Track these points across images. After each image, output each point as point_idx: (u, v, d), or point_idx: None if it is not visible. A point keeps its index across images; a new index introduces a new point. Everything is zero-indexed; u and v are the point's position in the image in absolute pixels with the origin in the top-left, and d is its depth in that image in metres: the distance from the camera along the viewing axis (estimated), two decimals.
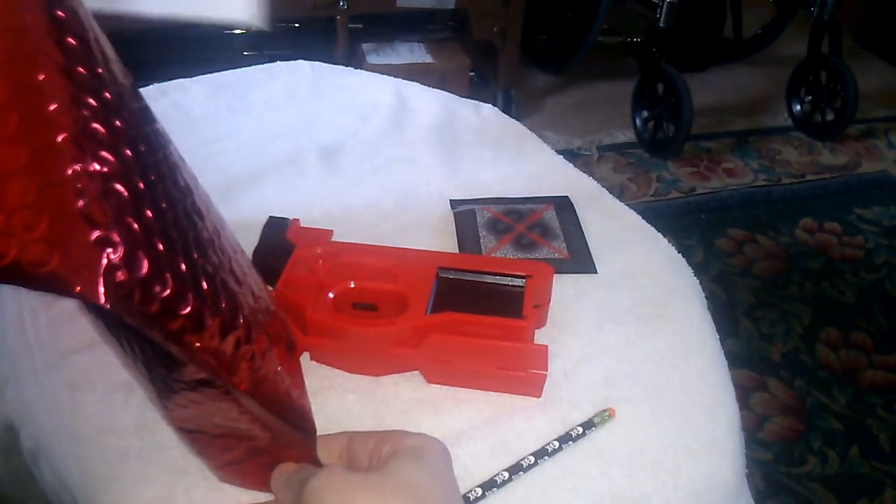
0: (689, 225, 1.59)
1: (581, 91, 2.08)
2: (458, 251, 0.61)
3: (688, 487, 0.45)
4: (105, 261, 0.22)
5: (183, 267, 0.25)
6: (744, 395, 1.21)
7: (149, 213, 0.24)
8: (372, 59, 1.69)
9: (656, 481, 0.44)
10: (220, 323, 0.26)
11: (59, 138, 0.22)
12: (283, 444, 0.34)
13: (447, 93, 0.83)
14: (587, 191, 0.69)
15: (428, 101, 0.81)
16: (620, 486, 0.44)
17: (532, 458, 0.44)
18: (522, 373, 0.48)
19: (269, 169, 0.69)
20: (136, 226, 0.23)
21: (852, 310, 1.40)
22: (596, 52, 1.97)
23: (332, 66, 0.87)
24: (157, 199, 0.24)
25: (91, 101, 0.23)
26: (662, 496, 0.44)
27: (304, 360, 0.51)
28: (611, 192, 0.69)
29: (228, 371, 0.27)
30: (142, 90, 0.78)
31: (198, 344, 0.25)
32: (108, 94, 0.24)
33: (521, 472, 0.44)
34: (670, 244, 0.63)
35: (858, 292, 1.44)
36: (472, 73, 1.78)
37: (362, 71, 0.87)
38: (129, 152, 0.24)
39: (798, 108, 1.96)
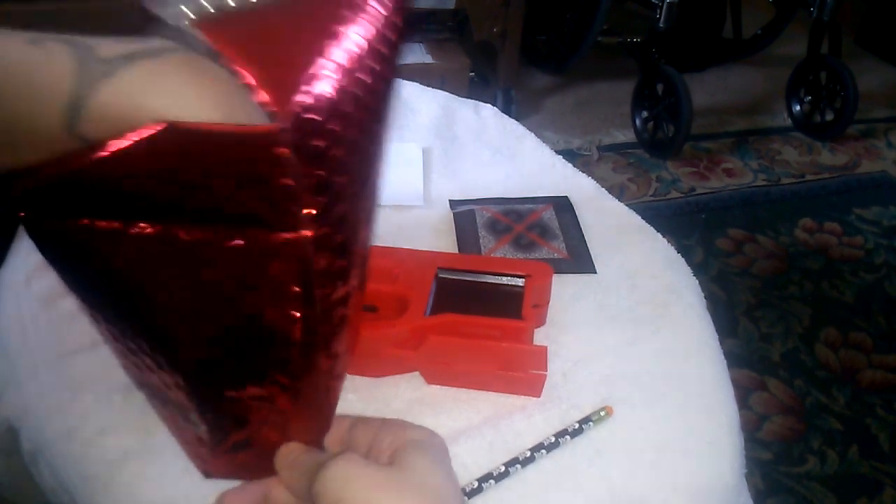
0: (688, 225, 1.59)
1: (581, 91, 2.08)
2: (457, 251, 0.61)
3: (686, 487, 0.45)
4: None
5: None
6: (743, 395, 1.21)
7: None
8: None
9: (654, 481, 0.45)
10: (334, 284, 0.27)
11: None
12: (295, 431, 0.34)
13: (446, 93, 0.83)
14: (586, 191, 0.69)
15: (427, 102, 0.81)
16: (618, 486, 0.44)
17: (528, 452, 0.44)
18: (522, 373, 0.48)
19: None
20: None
21: (852, 310, 1.40)
22: (596, 53, 1.97)
23: None
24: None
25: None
26: (660, 496, 0.44)
27: None
28: (610, 192, 0.69)
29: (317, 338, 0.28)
30: None
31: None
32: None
33: (518, 466, 0.44)
34: (670, 244, 0.64)
35: (858, 292, 1.44)
36: (472, 74, 1.78)
37: None
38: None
39: (798, 108, 1.96)
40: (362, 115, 0.26)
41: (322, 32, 0.25)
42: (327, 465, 0.30)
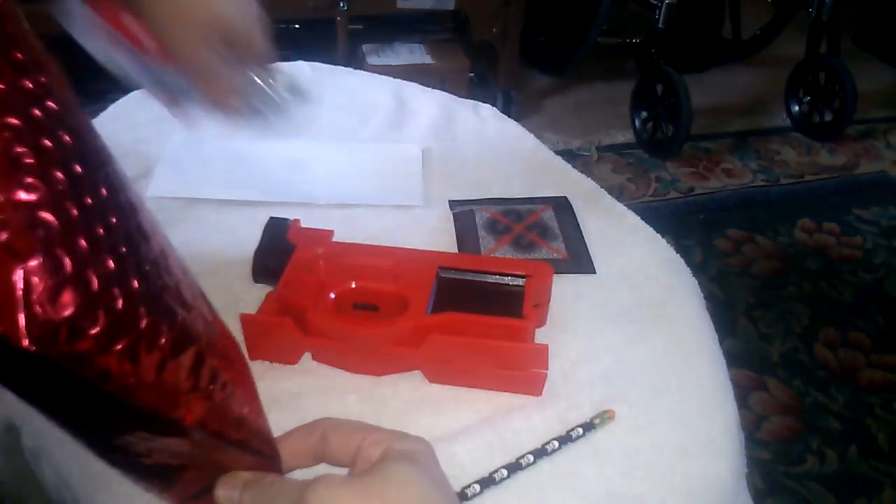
0: (687, 225, 1.60)
1: (580, 92, 2.08)
2: (457, 252, 0.61)
3: (683, 487, 0.45)
4: (28, 297, 0.20)
5: (119, 302, 0.23)
6: (742, 395, 1.21)
7: (83, 241, 0.22)
8: (372, 59, 1.69)
9: (652, 481, 0.45)
10: (159, 354, 0.25)
11: None
12: (242, 469, 0.32)
13: (446, 93, 0.83)
14: (586, 191, 0.69)
15: (427, 102, 0.81)
16: (616, 485, 0.44)
17: (531, 458, 0.45)
18: (523, 372, 0.48)
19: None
20: (66, 258, 0.21)
21: (850, 310, 1.40)
22: (595, 53, 1.97)
23: (331, 66, 0.87)
24: (93, 224, 0.22)
25: (14, 121, 0.21)
26: (658, 496, 0.44)
27: (306, 360, 0.51)
28: (610, 193, 0.69)
29: (171, 404, 0.25)
30: (142, 91, 0.78)
31: (132, 380, 0.23)
32: (38, 111, 0.21)
33: (520, 471, 0.44)
34: (669, 244, 0.64)
35: (857, 292, 1.44)
36: (472, 74, 1.78)
37: (362, 72, 0.87)
38: (61, 175, 0.22)
39: (796, 108, 1.96)
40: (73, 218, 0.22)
41: None
42: (304, 498, 0.29)
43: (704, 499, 0.45)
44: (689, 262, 0.62)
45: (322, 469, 0.33)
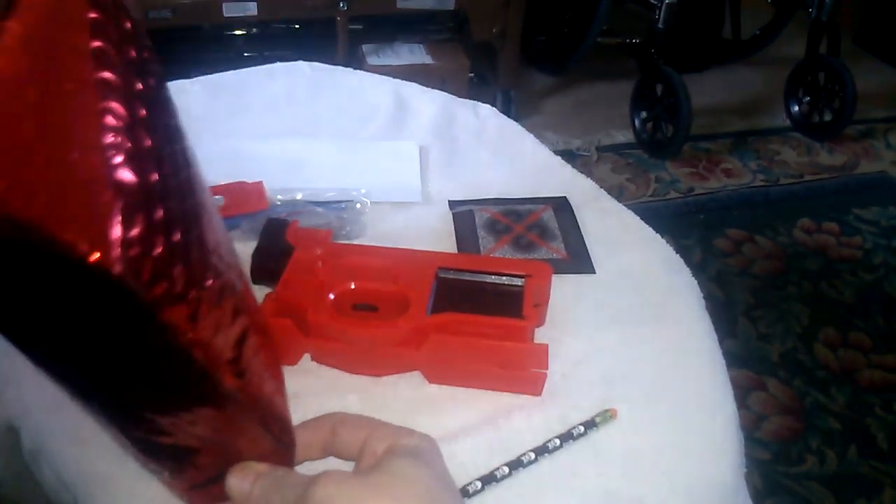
0: (687, 225, 1.60)
1: (580, 92, 2.08)
2: (456, 252, 0.61)
3: (683, 487, 0.45)
4: (126, 233, 0.22)
5: (193, 255, 0.25)
6: (742, 395, 1.21)
7: (173, 202, 0.24)
8: (372, 60, 1.69)
9: (652, 481, 0.45)
10: (218, 316, 0.26)
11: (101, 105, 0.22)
12: (256, 457, 0.33)
13: (446, 93, 0.83)
14: (585, 191, 0.69)
15: (427, 102, 0.81)
16: (616, 486, 0.44)
17: (532, 455, 0.45)
18: (523, 372, 0.48)
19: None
20: (160, 209, 0.23)
21: (850, 310, 1.40)
22: (595, 53, 1.97)
23: (331, 67, 0.87)
24: (181, 194, 0.25)
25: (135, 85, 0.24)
26: (657, 496, 0.44)
27: (305, 360, 0.51)
28: (609, 193, 0.69)
29: (216, 367, 0.27)
30: None
31: (190, 335, 0.25)
32: (149, 81, 0.24)
33: (521, 468, 0.44)
34: (668, 244, 0.64)
35: (857, 292, 1.44)
36: (472, 74, 1.78)
37: (361, 72, 0.87)
38: (168, 146, 0.25)
39: (796, 108, 1.96)
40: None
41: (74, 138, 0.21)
42: (310, 494, 0.29)
43: (704, 499, 0.45)
44: (688, 262, 0.62)
45: (329, 462, 0.33)
